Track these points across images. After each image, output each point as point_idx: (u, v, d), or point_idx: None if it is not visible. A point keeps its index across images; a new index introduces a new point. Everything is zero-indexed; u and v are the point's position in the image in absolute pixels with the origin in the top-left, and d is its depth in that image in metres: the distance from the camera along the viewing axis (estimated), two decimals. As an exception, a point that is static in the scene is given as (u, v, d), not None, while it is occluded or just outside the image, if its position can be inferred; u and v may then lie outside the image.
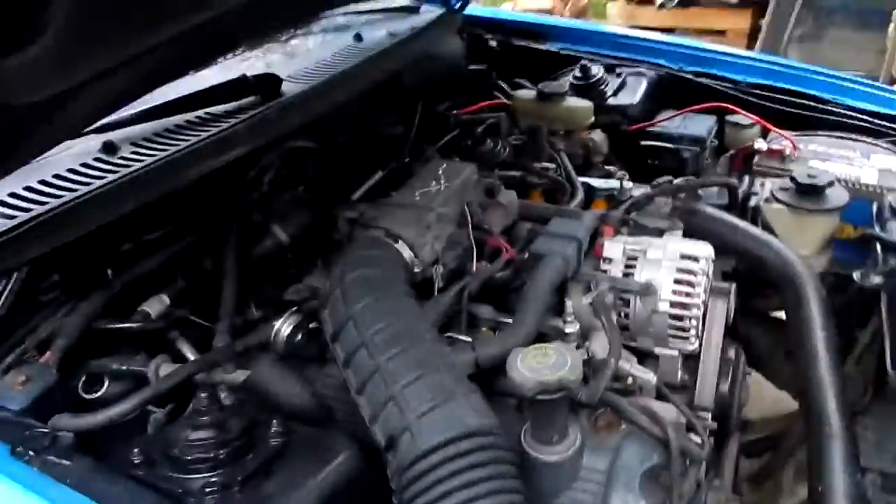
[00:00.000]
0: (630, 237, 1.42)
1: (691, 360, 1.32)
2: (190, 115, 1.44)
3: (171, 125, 1.40)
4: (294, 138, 1.55)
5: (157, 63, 1.26)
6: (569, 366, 0.98)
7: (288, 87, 1.58)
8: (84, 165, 1.22)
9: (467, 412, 0.95)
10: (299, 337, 1.14)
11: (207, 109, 1.46)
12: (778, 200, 1.63)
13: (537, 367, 0.98)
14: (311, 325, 1.19)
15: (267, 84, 1.57)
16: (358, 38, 1.97)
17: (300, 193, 1.49)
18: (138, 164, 1.22)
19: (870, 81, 2.14)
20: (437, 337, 1.11)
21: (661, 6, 5.20)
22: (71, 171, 1.20)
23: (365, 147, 1.76)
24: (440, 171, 1.44)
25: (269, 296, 1.37)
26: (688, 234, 1.47)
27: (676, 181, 1.62)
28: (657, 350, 1.31)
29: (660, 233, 1.45)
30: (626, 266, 1.34)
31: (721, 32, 5.08)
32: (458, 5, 2.18)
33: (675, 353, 1.31)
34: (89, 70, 1.12)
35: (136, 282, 1.20)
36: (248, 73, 1.60)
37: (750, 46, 4.92)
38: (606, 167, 1.88)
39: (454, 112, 2.09)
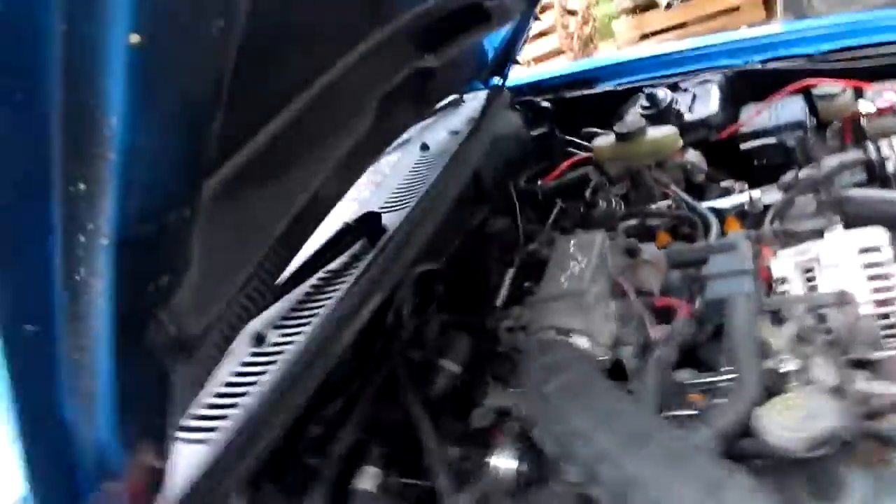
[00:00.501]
0: (791, 248, 1.34)
1: (916, 352, 1.21)
2: (313, 280, 1.44)
3: (301, 296, 1.41)
4: (414, 266, 1.54)
5: (285, 250, 1.28)
6: (829, 411, 0.89)
7: (388, 220, 1.58)
8: (245, 364, 1.22)
9: (745, 496, 0.87)
10: (523, 466, 1.09)
11: (326, 269, 1.47)
12: (916, 156, 1.53)
13: (792, 423, 0.90)
14: (521, 447, 1.13)
15: (370, 224, 1.57)
16: (425, 147, 1.98)
17: (446, 318, 1.46)
18: (291, 347, 1.22)
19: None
20: (665, 423, 1.04)
21: (669, 6, 5.12)
22: (236, 374, 1.21)
23: (478, 249, 1.74)
24: (572, 249, 1.39)
25: (454, 428, 1.32)
26: (847, 224, 1.37)
27: (805, 174, 1.53)
28: (876, 355, 1.21)
29: (819, 233, 1.36)
30: (807, 280, 1.26)
31: (735, 9, 4.97)
32: (501, 82, 2.19)
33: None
34: (235, 280, 1.13)
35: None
36: (342, 217, 1.62)
37: (768, 14, 4.82)
38: (721, 185, 1.81)
39: (539, 182, 2.06)
